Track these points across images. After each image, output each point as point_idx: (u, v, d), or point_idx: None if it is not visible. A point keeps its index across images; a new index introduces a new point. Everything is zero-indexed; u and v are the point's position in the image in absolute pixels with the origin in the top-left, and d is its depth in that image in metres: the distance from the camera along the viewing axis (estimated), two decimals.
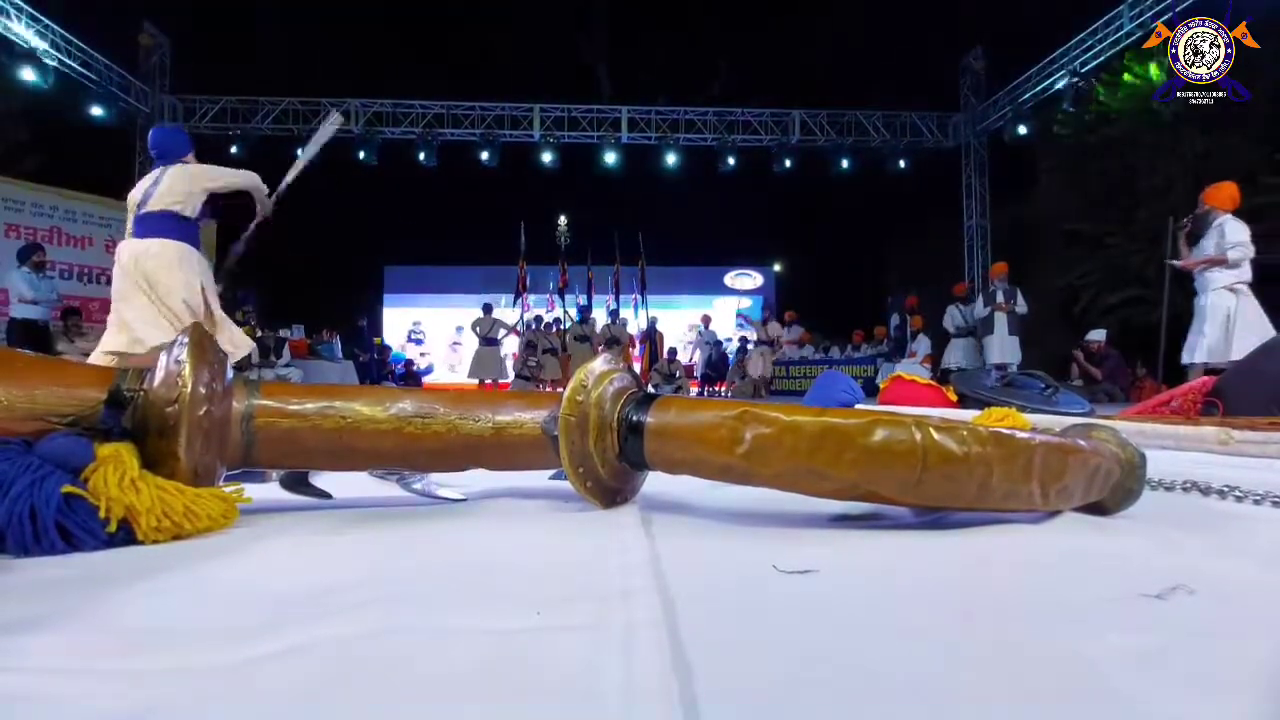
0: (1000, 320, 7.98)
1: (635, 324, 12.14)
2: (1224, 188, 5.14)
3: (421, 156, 12.38)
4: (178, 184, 3.40)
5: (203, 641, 0.46)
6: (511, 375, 10.38)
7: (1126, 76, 10.84)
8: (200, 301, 3.41)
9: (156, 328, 3.24)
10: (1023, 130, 11.75)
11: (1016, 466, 0.74)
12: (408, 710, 0.36)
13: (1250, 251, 4.86)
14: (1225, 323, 4.87)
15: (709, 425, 0.80)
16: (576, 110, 12.70)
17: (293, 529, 0.81)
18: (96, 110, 10.92)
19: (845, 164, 12.91)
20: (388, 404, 0.88)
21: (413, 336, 17.61)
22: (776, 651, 0.45)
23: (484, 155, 12.41)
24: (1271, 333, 4.57)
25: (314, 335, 11.63)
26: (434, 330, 17.59)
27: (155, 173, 3.47)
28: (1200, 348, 5.01)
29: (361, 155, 12.35)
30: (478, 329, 10.45)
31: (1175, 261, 5.37)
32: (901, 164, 12.98)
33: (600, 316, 11.36)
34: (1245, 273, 4.89)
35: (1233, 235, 4.88)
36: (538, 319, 11.22)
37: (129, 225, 3.47)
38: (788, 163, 12.79)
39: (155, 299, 3.29)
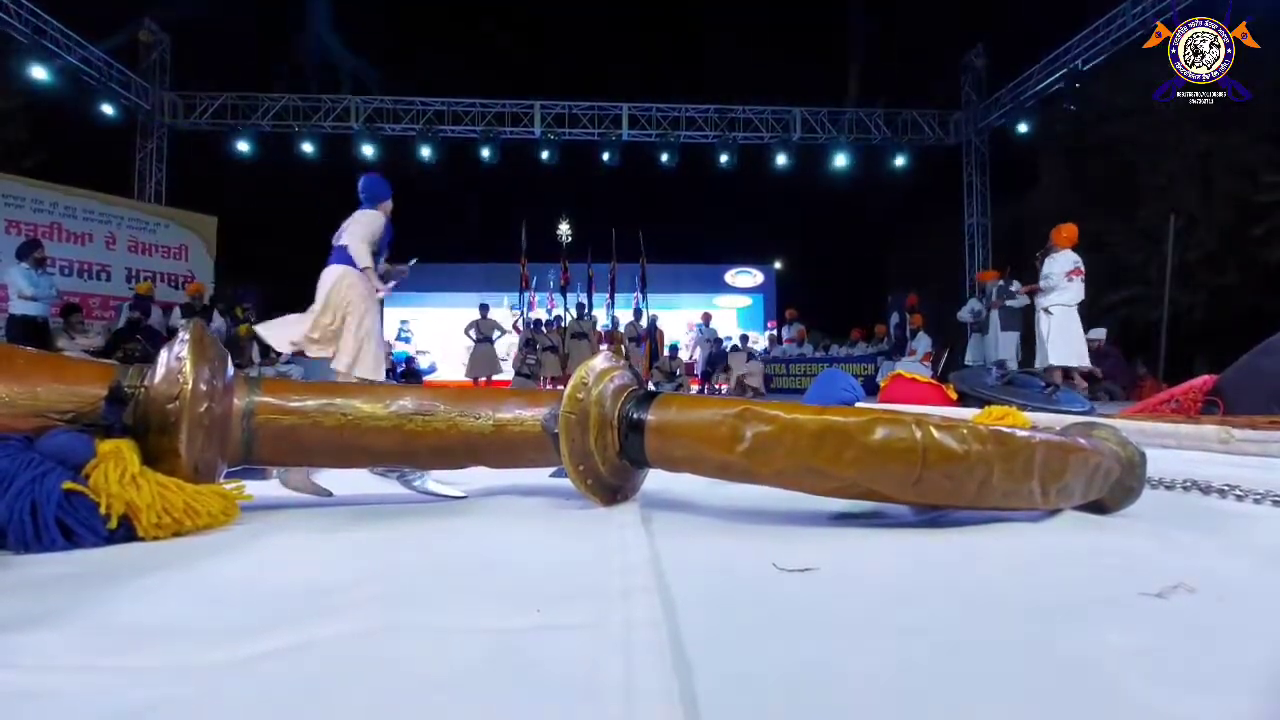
0: (993, 317, 8.09)
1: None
2: (1065, 228, 6.25)
3: (422, 154, 12.37)
4: (352, 227, 4.15)
5: (203, 639, 0.46)
6: (507, 372, 10.43)
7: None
8: (344, 314, 4.02)
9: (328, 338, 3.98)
10: (1024, 128, 11.73)
11: (1017, 465, 0.74)
12: (408, 708, 0.36)
13: (1057, 282, 6.06)
14: (1041, 337, 6.18)
15: (710, 423, 0.80)
16: (577, 107, 12.68)
17: (293, 526, 0.81)
18: (96, 107, 10.91)
19: (846, 161, 12.90)
20: (388, 401, 0.88)
21: (402, 335, 17.55)
22: (776, 649, 0.45)
23: (484, 152, 12.39)
24: (1082, 348, 6.08)
25: None
26: (437, 329, 17.54)
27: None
28: (1041, 356, 6.27)
29: (361, 152, 12.34)
30: (473, 332, 10.48)
31: (1018, 288, 6.67)
32: (902, 161, 12.97)
33: (624, 316, 11.34)
34: (1064, 296, 6.05)
35: (1048, 268, 6.13)
36: (537, 322, 11.23)
37: None
38: (788, 160, 12.77)
39: (325, 309, 3.98)
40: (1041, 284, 6.15)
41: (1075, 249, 6.28)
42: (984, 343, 8.39)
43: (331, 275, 4.00)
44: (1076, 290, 6.04)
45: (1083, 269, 6.11)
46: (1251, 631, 0.49)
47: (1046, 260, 6.19)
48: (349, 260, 4.02)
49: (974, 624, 0.50)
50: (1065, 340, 6.01)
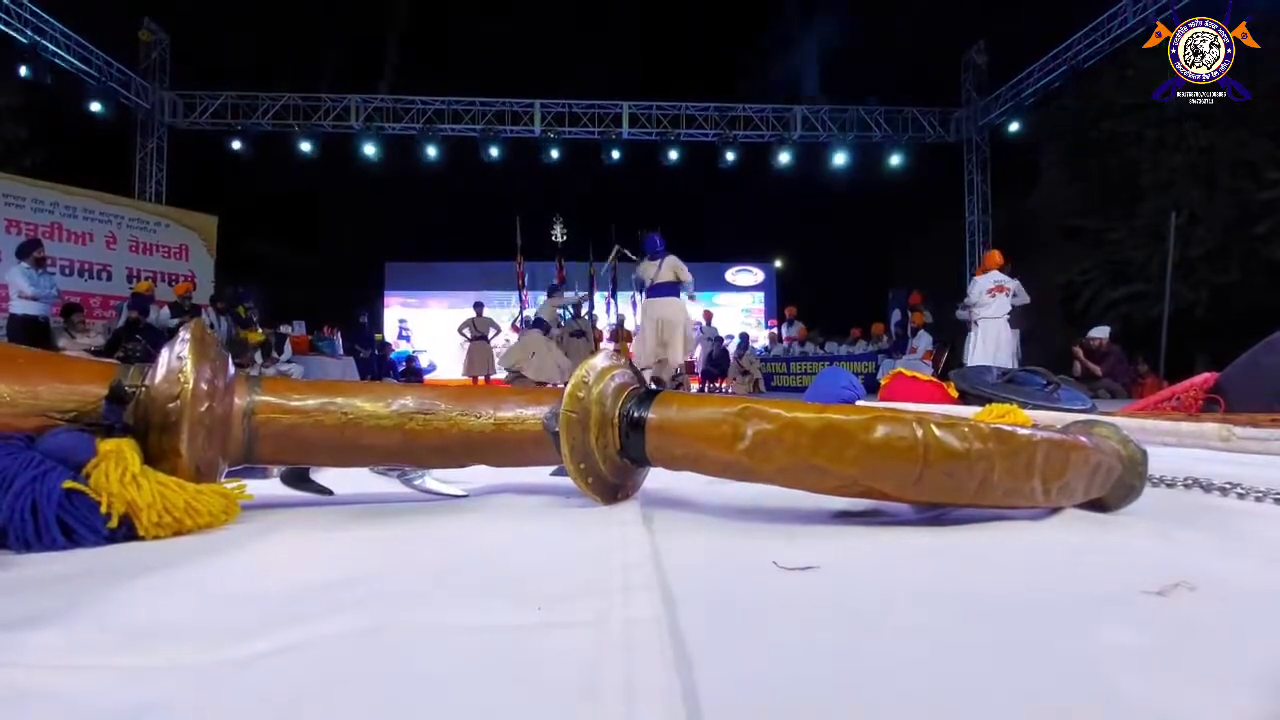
0: None
1: (634, 319, 12.13)
2: (989, 255, 7.65)
3: (423, 152, 12.37)
4: (669, 270, 6.44)
5: (203, 638, 0.46)
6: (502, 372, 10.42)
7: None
8: (687, 331, 6.44)
9: (666, 347, 6.31)
10: (1025, 125, 11.72)
11: (1018, 463, 0.74)
12: (408, 707, 0.36)
13: (975, 299, 7.37)
14: (972, 346, 7.43)
15: (710, 421, 0.79)
16: (578, 106, 12.68)
17: (293, 525, 0.81)
18: (96, 106, 10.91)
19: (846, 160, 12.89)
20: (389, 400, 0.88)
21: (402, 333, 17.57)
22: (777, 648, 0.45)
23: (485, 151, 12.39)
24: (1007, 352, 7.23)
25: (315, 331, 11.64)
26: (437, 327, 17.54)
27: (659, 260, 6.59)
28: (968, 358, 7.53)
29: (363, 151, 12.34)
30: (468, 330, 10.45)
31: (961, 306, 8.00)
32: (903, 160, 12.96)
33: (628, 313, 11.34)
34: (988, 310, 7.30)
35: (971, 287, 7.53)
36: (538, 321, 11.22)
37: (645, 290, 6.87)
38: (789, 158, 12.76)
39: (666, 331, 6.34)
40: (966, 300, 7.58)
41: (1003, 270, 7.44)
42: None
43: (676, 305, 6.47)
44: (999, 305, 7.33)
45: (1006, 287, 7.31)
46: (1252, 630, 0.49)
47: (971, 281, 7.63)
48: (677, 293, 6.49)
49: (974, 622, 0.50)
50: (986, 347, 7.28)
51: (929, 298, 10.57)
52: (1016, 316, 8.13)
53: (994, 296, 7.33)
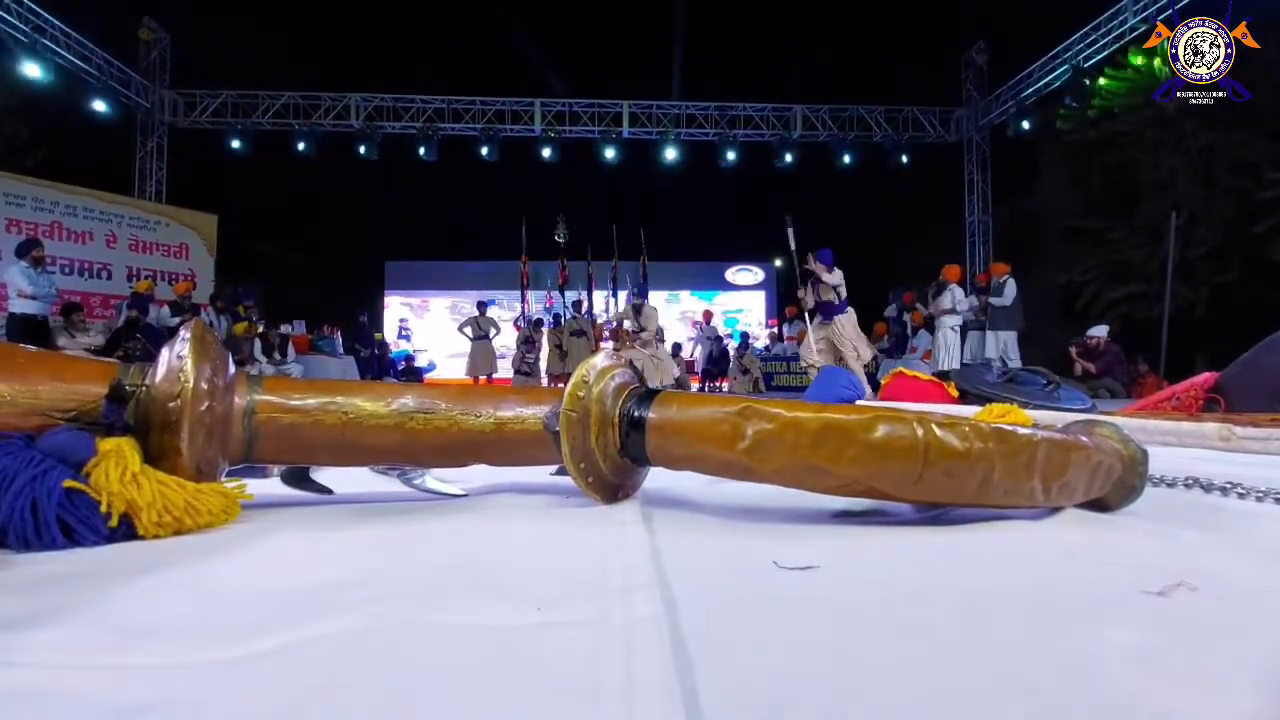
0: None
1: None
2: (953, 268, 8.79)
3: (422, 151, 12.36)
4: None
5: (203, 637, 0.46)
6: (505, 370, 10.45)
7: (1134, 60, 10.79)
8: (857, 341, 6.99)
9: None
10: (1025, 125, 11.71)
11: (1018, 463, 0.74)
12: (408, 706, 0.36)
13: (960, 306, 8.33)
14: (946, 347, 8.40)
15: (711, 421, 0.79)
16: (578, 105, 12.67)
17: (294, 525, 0.81)
18: (97, 105, 10.90)
19: (847, 159, 12.88)
20: (389, 399, 0.88)
21: (402, 333, 17.58)
22: (777, 648, 0.45)
23: (485, 150, 12.38)
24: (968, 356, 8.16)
25: (315, 331, 11.64)
26: (437, 327, 17.52)
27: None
28: (939, 362, 8.48)
29: (362, 150, 12.33)
30: (469, 330, 10.46)
31: (921, 307, 9.04)
32: (903, 159, 12.95)
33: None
34: (955, 317, 8.40)
35: (954, 294, 8.42)
36: (537, 320, 11.25)
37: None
38: (789, 158, 12.76)
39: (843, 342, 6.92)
40: (957, 308, 8.37)
41: (959, 283, 8.48)
42: (984, 340, 8.45)
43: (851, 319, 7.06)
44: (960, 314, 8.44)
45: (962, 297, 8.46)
46: (1252, 629, 0.49)
47: (946, 291, 8.37)
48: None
49: (974, 621, 0.50)
50: (948, 348, 8.30)
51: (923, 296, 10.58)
52: (1006, 318, 8.25)
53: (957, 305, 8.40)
